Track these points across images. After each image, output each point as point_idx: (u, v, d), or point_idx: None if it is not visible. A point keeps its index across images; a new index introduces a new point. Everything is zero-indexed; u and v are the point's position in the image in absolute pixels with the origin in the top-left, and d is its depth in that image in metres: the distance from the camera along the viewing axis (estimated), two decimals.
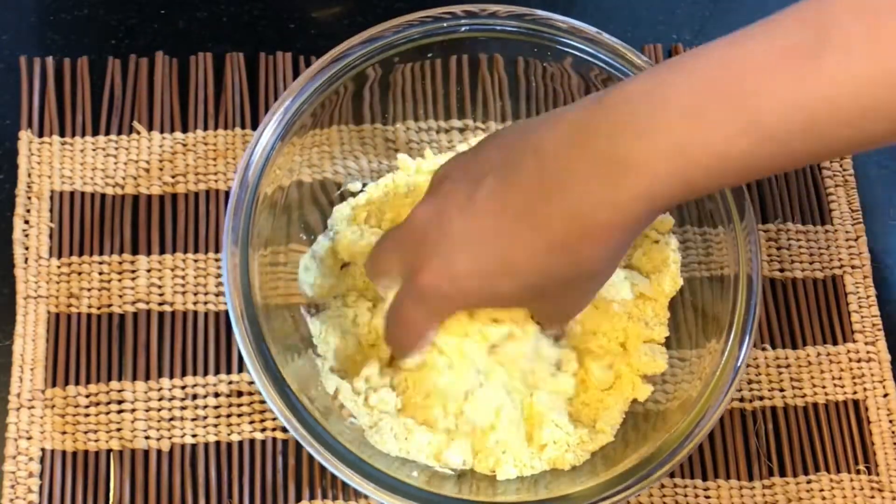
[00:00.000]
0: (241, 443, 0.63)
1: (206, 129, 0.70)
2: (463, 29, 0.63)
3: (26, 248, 0.66)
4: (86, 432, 0.62)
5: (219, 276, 0.66)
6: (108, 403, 0.63)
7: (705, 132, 0.47)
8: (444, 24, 0.63)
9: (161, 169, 0.68)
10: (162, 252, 0.66)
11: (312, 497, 0.62)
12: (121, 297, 0.65)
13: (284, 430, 0.63)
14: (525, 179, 0.52)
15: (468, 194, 0.53)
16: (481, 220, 0.53)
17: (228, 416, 0.63)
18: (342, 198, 0.67)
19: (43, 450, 0.62)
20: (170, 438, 0.62)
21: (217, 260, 0.66)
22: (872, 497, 0.64)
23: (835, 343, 0.68)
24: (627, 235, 0.52)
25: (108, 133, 0.69)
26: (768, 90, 0.46)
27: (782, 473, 0.64)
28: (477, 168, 0.54)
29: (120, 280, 0.66)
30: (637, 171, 0.48)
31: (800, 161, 0.49)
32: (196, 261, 0.66)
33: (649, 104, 0.48)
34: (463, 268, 0.53)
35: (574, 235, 0.51)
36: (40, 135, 0.69)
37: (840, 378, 0.67)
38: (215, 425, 0.63)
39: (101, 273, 0.66)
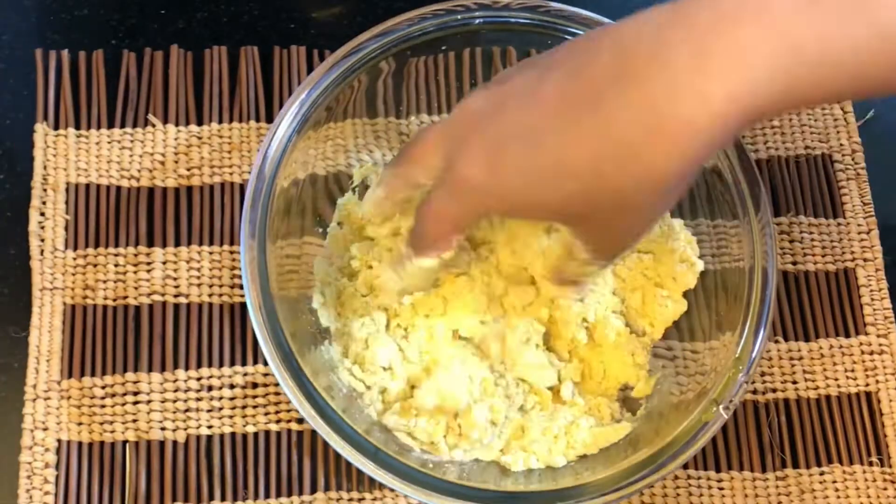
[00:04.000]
0: (256, 434, 0.63)
1: (220, 122, 0.70)
2: (476, 21, 0.64)
3: (42, 241, 0.66)
4: (102, 423, 0.63)
5: (234, 268, 0.66)
6: (124, 395, 0.63)
7: (819, 21, 0.42)
8: (458, 17, 0.63)
9: (176, 161, 0.69)
10: (177, 244, 0.67)
11: (328, 488, 0.62)
12: (136, 288, 0.65)
13: (300, 421, 0.63)
14: (599, 70, 0.46)
15: (530, 86, 0.48)
16: (540, 111, 0.47)
17: (244, 407, 0.63)
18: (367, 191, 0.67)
19: (59, 440, 0.62)
20: (185, 430, 0.63)
21: (232, 252, 0.66)
22: (885, 489, 0.64)
23: (847, 336, 0.68)
24: (704, 146, 0.45)
25: (123, 126, 0.69)
26: None
27: (795, 465, 0.65)
28: (545, 64, 0.49)
29: (135, 272, 0.66)
30: (736, 59, 0.42)
31: None
32: (211, 253, 0.67)
33: None
34: (511, 162, 0.48)
35: (643, 131, 0.44)
36: (56, 127, 0.69)
37: (853, 370, 0.67)
38: (231, 416, 0.63)
39: (116, 265, 0.66)
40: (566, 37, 0.64)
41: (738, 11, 0.43)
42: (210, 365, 0.64)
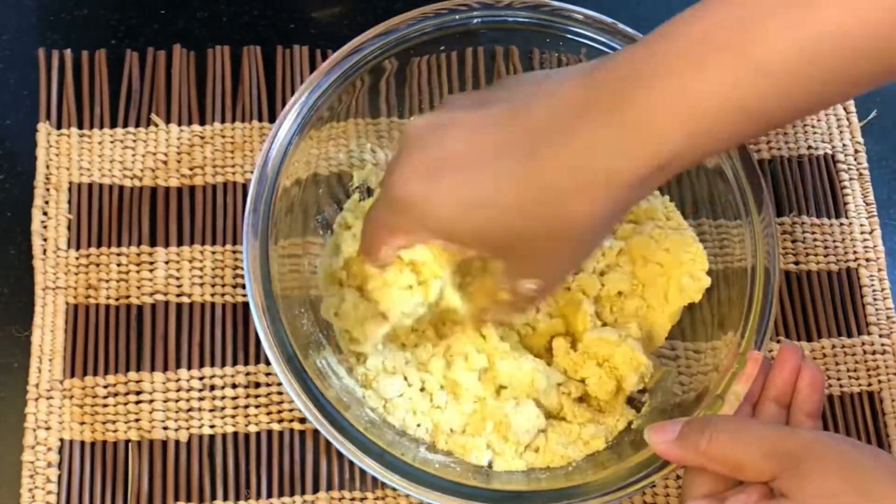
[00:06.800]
0: (258, 433, 0.63)
1: (223, 121, 0.70)
2: (477, 21, 0.64)
3: (45, 240, 0.66)
4: (104, 422, 0.63)
5: (236, 267, 0.66)
6: (127, 394, 0.63)
7: (709, 79, 0.47)
8: (459, 16, 0.63)
9: (179, 161, 0.69)
10: (180, 244, 0.67)
11: (330, 488, 0.62)
12: (139, 288, 0.65)
13: (302, 420, 0.63)
14: (533, 118, 0.51)
15: (472, 117, 0.52)
16: (478, 142, 0.51)
17: (246, 406, 0.63)
18: (368, 193, 0.68)
19: (62, 440, 0.62)
20: (188, 429, 0.63)
21: (234, 252, 0.67)
22: None
23: (850, 335, 0.68)
24: (623, 199, 0.51)
25: (126, 125, 0.69)
26: (769, 34, 0.46)
27: None
28: (485, 98, 0.54)
29: (138, 272, 0.66)
30: (645, 125, 0.48)
31: (804, 105, 0.49)
32: (214, 252, 0.67)
33: (653, 58, 0.48)
34: (446, 189, 0.52)
35: (570, 185, 0.50)
36: (59, 127, 0.69)
37: (855, 370, 0.67)
38: (233, 416, 0.63)
39: (119, 265, 0.66)
40: (567, 35, 0.64)
41: (638, 78, 0.48)
42: (212, 364, 0.64)
